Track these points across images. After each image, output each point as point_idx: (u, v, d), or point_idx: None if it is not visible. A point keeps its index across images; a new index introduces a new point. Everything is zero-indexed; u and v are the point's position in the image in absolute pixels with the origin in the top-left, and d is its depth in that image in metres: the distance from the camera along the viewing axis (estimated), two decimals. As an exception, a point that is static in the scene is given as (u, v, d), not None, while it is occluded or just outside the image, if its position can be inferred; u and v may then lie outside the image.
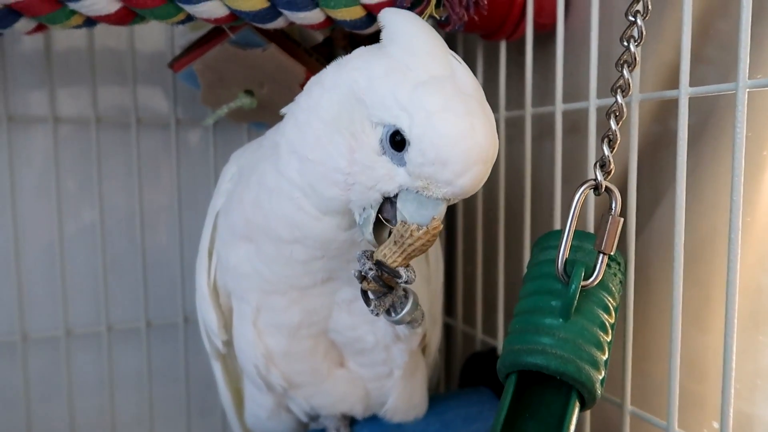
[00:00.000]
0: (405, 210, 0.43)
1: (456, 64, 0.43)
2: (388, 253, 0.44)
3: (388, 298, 0.47)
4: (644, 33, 0.48)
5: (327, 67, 0.47)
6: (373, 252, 0.45)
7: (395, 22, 0.44)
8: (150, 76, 0.80)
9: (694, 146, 0.50)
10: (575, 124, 0.65)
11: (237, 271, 0.55)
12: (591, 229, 0.56)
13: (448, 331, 0.86)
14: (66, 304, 0.77)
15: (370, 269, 0.45)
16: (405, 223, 0.43)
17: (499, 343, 0.72)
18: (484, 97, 0.44)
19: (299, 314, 0.55)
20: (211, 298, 0.59)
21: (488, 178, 0.43)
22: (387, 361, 0.59)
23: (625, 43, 0.48)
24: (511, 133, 0.71)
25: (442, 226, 0.44)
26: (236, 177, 0.57)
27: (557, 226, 0.62)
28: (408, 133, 0.41)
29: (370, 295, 0.47)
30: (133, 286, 0.81)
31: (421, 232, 0.43)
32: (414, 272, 0.45)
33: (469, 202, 0.78)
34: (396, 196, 0.43)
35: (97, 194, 0.78)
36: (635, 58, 0.48)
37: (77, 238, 0.78)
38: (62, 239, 0.77)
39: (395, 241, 0.43)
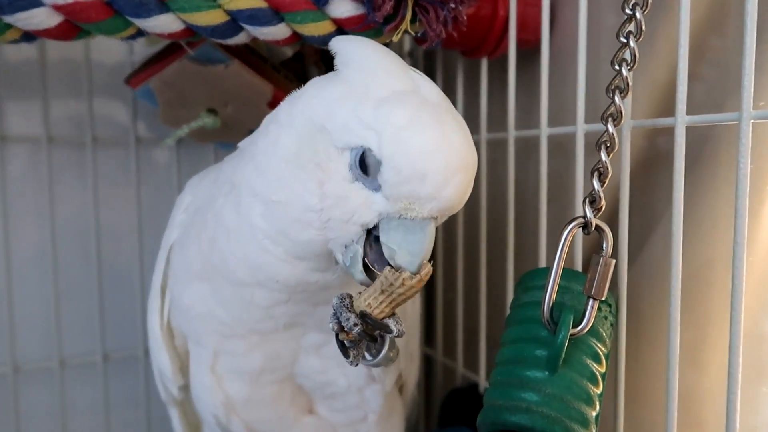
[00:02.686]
0: (391, 241, 0.39)
1: (418, 78, 0.41)
2: (373, 304, 0.39)
3: (364, 343, 0.43)
4: (637, 56, 0.44)
5: (281, 103, 0.44)
6: (352, 299, 0.41)
7: (348, 47, 0.42)
8: (107, 90, 0.75)
9: (689, 173, 0.45)
10: (561, 145, 0.61)
11: (191, 313, 0.51)
12: (578, 261, 0.52)
13: (428, 363, 0.82)
14: (14, 336, 0.72)
15: (356, 325, 0.40)
16: (394, 270, 0.39)
17: (481, 379, 0.67)
18: (454, 108, 0.41)
19: (261, 359, 0.50)
20: (165, 341, 0.54)
21: (469, 201, 0.40)
22: (361, 404, 0.55)
23: (617, 67, 0.44)
24: (493, 154, 0.67)
25: (431, 270, 0.39)
26: (191, 208, 0.53)
27: (542, 253, 0.58)
28: (378, 153, 0.37)
29: (347, 343, 0.42)
30: (89, 317, 0.75)
31: (414, 280, 0.38)
32: (402, 323, 0.41)
33: (449, 224, 0.73)
34: (376, 228, 0.39)
35: (48, 218, 0.72)
36: (627, 83, 0.44)
37: (27, 265, 0.73)
38: (9, 267, 0.71)
39: (383, 290, 0.39)
